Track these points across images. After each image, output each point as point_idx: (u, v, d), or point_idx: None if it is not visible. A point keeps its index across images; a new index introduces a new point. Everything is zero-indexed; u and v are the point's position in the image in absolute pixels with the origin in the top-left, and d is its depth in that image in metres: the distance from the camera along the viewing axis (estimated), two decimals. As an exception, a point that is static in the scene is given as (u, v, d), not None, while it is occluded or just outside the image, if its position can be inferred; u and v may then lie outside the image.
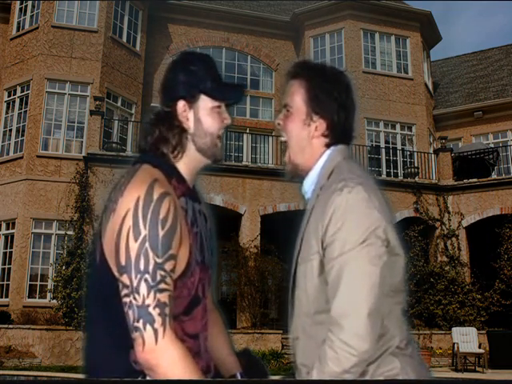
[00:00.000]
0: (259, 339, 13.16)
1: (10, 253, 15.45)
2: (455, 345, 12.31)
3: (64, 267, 13.31)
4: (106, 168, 13.94)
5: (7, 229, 15.72)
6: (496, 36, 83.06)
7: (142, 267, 1.28)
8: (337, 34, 19.90)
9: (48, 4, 17.09)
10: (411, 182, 16.42)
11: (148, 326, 1.26)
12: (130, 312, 1.28)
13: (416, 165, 18.00)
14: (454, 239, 16.00)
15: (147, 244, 1.29)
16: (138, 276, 1.28)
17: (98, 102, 14.84)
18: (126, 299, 1.29)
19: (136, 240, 1.29)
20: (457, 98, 21.76)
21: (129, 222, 1.30)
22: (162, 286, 1.29)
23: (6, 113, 17.27)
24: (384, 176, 17.73)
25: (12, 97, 17.15)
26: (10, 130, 16.99)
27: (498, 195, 15.81)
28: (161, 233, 1.30)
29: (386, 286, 1.32)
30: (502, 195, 15.77)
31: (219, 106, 1.52)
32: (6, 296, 15.08)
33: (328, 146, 1.53)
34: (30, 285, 15.09)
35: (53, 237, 15.38)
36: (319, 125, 1.52)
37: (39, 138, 16.07)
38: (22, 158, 16.07)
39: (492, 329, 13.98)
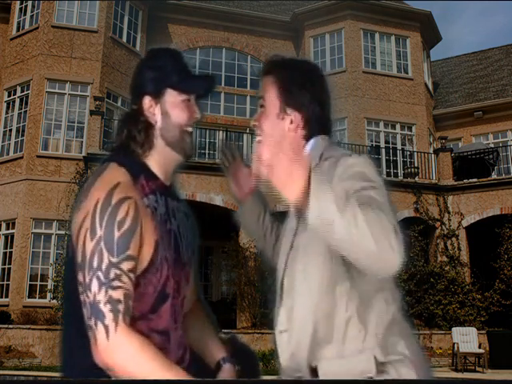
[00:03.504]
0: (259, 339, 13.14)
1: (10, 253, 15.44)
2: (455, 345, 12.30)
3: (64, 267, 13.28)
4: (106, 168, 13.93)
5: (7, 229, 15.71)
6: (496, 36, 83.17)
7: (95, 265, 1.27)
8: (337, 33, 19.89)
9: (48, 4, 17.08)
10: (411, 181, 16.41)
11: (99, 323, 1.24)
12: (85, 310, 1.27)
13: (416, 165, 17.99)
14: (454, 239, 15.99)
15: (102, 243, 1.28)
16: (91, 273, 1.27)
17: (98, 102, 14.84)
18: (82, 297, 1.28)
19: (92, 240, 1.29)
20: (457, 98, 21.75)
21: (87, 224, 1.31)
22: (116, 283, 1.27)
23: (6, 113, 17.26)
24: (384, 176, 17.73)
25: (12, 97, 17.14)
26: (10, 130, 16.98)
27: (498, 195, 15.80)
28: (117, 234, 1.29)
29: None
30: (502, 195, 15.76)
31: (188, 100, 1.50)
32: (6, 296, 15.07)
33: (307, 138, 1.48)
34: (30, 285, 15.08)
35: (53, 237, 15.37)
36: (294, 117, 1.47)
37: (39, 138, 16.07)
38: (22, 158, 16.06)
39: (492, 329, 13.97)
